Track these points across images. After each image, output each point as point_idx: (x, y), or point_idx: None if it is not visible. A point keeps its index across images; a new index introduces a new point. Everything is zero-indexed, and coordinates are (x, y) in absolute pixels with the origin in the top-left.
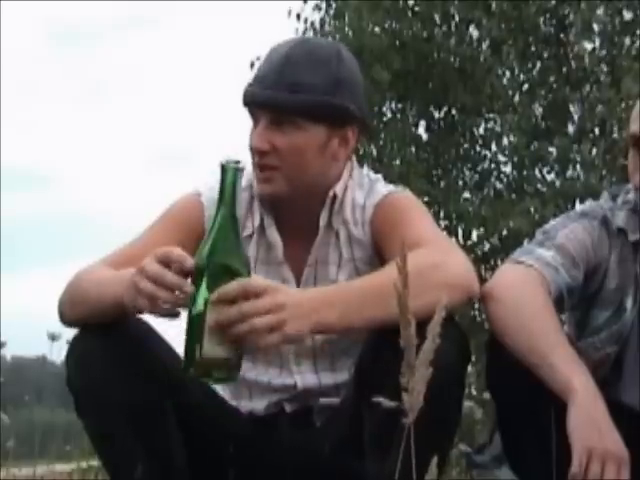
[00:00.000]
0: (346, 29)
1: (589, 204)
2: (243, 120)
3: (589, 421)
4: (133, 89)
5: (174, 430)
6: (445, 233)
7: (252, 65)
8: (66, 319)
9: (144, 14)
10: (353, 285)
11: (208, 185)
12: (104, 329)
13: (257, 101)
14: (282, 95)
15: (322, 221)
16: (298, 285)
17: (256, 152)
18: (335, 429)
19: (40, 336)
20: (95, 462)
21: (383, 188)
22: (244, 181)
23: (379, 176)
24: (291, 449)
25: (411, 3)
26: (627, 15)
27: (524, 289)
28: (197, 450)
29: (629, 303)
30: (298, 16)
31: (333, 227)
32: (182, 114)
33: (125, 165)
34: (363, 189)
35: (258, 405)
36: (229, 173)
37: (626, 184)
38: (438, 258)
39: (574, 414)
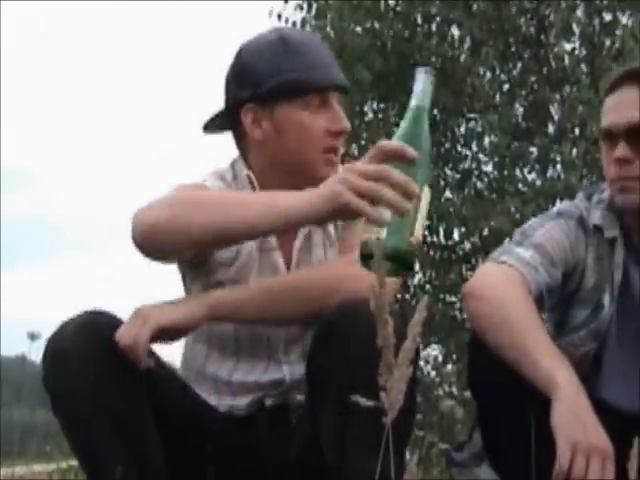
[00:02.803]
0: (327, 29)
1: (565, 204)
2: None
3: (573, 416)
4: (114, 89)
5: (152, 430)
6: None
7: None
8: (160, 249)
9: (127, 14)
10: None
11: (208, 181)
12: (79, 327)
13: (336, 84)
14: (344, 77)
15: None
16: (289, 271)
17: (343, 134)
18: (304, 428)
19: (19, 335)
20: (75, 462)
21: None
22: (244, 170)
23: None
24: (268, 448)
25: (392, 3)
26: (607, 16)
27: (505, 288)
28: (175, 450)
29: (606, 300)
30: (279, 16)
31: None
32: (165, 114)
33: (103, 164)
34: None
35: (240, 402)
36: (429, 75)
37: (602, 183)
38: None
39: (558, 409)
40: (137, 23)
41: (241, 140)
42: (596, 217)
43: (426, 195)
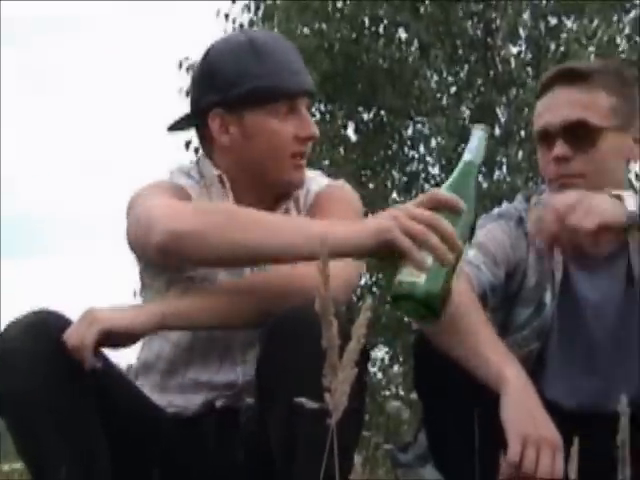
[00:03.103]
0: (275, 30)
1: (505, 206)
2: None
3: (523, 409)
4: (52, 90)
5: (98, 430)
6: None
7: (180, 65)
8: (183, 258)
9: (63, 14)
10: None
11: (176, 177)
12: (27, 327)
13: (305, 89)
14: (312, 82)
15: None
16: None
17: (312, 139)
18: (252, 430)
19: None
20: (19, 465)
21: (326, 179)
22: (213, 169)
23: (318, 171)
24: (215, 450)
25: (340, 5)
26: (552, 20)
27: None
28: (121, 451)
29: (548, 298)
30: (227, 16)
31: (288, 210)
32: (107, 115)
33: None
34: (310, 178)
35: (191, 405)
36: (484, 133)
37: (542, 185)
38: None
39: (508, 403)
40: (74, 23)
41: (207, 142)
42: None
43: (465, 251)
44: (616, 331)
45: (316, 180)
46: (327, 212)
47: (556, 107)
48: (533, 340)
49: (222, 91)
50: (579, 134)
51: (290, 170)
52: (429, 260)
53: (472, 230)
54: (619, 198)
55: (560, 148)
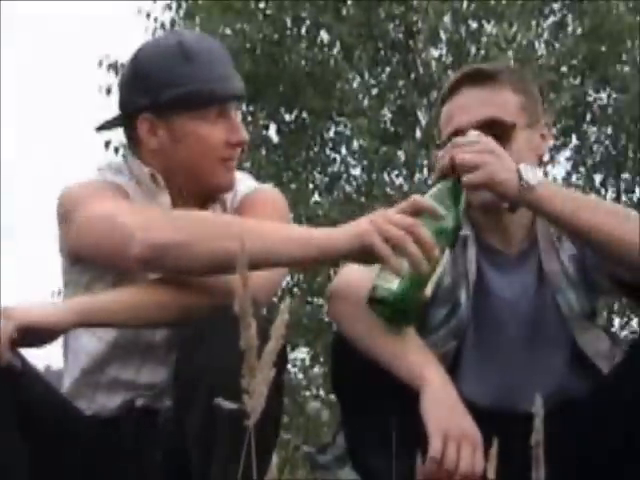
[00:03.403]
0: (197, 30)
1: None
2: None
3: (443, 406)
4: None
5: (14, 429)
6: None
7: (101, 63)
8: (167, 269)
9: None
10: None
11: (108, 175)
12: None
13: (235, 94)
14: (242, 85)
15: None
16: None
17: (242, 144)
18: (171, 431)
19: None
20: None
21: (254, 182)
22: (144, 167)
23: (247, 173)
24: (133, 450)
25: (262, 6)
26: (472, 24)
27: (368, 286)
28: (39, 452)
29: (463, 298)
30: (148, 15)
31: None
32: (25, 111)
33: None
34: (239, 180)
35: (110, 404)
36: None
37: None
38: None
39: (428, 400)
40: None
41: (135, 144)
42: None
43: (444, 259)
44: (530, 328)
45: (244, 182)
46: (254, 216)
47: (468, 107)
48: (450, 340)
49: (151, 95)
50: (494, 132)
51: (220, 173)
52: (405, 266)
53: (455, 238)
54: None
55: None
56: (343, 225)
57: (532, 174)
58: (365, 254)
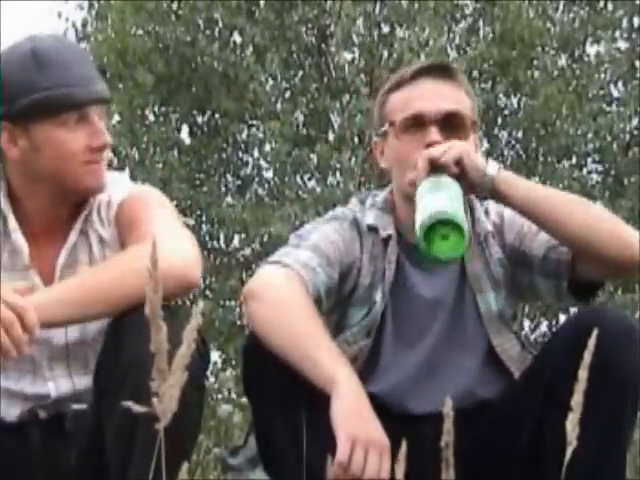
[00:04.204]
0: (109, 30)
1: (339, 209)
2: None
3: (352, 411)
4: None
5: None
6: (180, 224)
7: None
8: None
9: None
10: (73, 281)
11: None
12: None
13: (94, 98)
14: (104, 88)
15: (77, 224)
16: None
17: (104, 149)
18: (83, 436)
19: None
20: None
21: (128, 183)
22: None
23: (124, 174)
24: (42, 458)
25: (175, 7)
26: (385, 28)
27: (285, 288)
28: None
29: (378, 297)
30: (60, 15)
31: (83, 230)
32: None
33: None
34: (113, 183)
35: (11, 413)
36: None
37: (375, 191)
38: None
39: (338, 405)
40: None
41: (1, 156)
42: (370, 218)
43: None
44: (448, 328)
45: (118, 186)
46: (139, 220)
47: (430, 97)
48: (362, 337)
49: (7, 103)
50: (455, 124)
51: (86, 177)
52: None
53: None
54: None
55: (436, 135)
56: None
57: (490, 166)
58: None
